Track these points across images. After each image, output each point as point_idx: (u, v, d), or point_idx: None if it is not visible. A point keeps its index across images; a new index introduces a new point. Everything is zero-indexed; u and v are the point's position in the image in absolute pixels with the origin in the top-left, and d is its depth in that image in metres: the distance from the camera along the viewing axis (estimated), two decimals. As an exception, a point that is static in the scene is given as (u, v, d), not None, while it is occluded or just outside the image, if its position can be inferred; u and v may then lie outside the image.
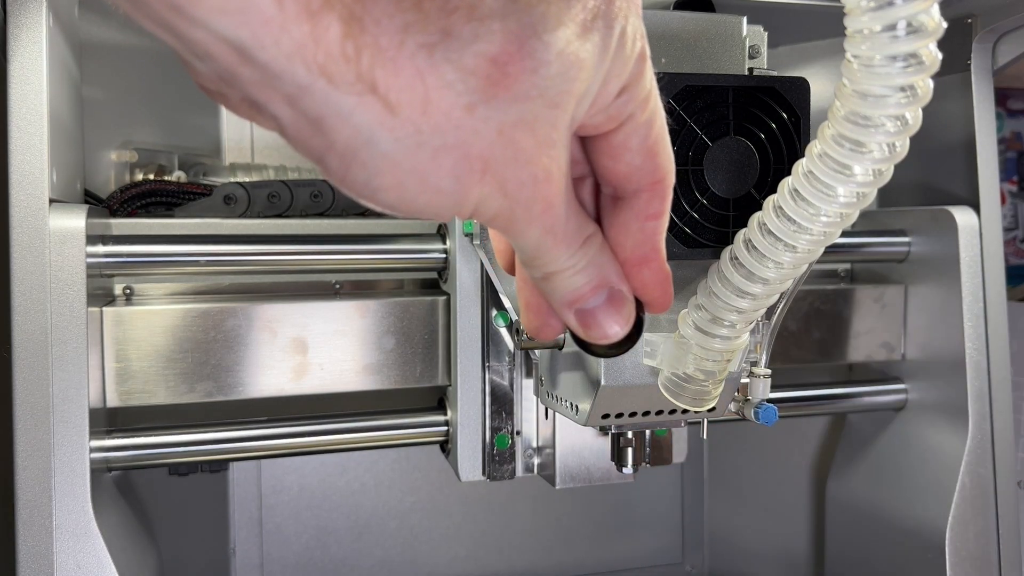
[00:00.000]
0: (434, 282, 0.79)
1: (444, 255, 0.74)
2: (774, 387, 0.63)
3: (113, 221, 0.73)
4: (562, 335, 0.57)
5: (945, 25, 0.29)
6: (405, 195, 0.25)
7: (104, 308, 0.68)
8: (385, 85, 0.23)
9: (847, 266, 0.94)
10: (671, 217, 0.42)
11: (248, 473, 0.96)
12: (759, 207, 0.38)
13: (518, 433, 0.73)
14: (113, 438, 0.69)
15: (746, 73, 0.55)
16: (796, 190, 0.35)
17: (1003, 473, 0.83)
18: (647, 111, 0.29)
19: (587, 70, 0.26)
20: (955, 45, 0.83)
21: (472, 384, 0.73)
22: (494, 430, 0.73)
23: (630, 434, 0.66)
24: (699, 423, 0.63)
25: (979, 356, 0.83)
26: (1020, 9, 0.78)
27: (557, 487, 0.72)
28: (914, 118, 0.32)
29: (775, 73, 0.51)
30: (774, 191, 0.37)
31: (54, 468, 0.62)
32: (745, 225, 0.39)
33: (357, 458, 0.99)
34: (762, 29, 0.57)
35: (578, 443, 0.72)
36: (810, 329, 0.88)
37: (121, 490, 0.77)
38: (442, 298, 0.75)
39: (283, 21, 0.21)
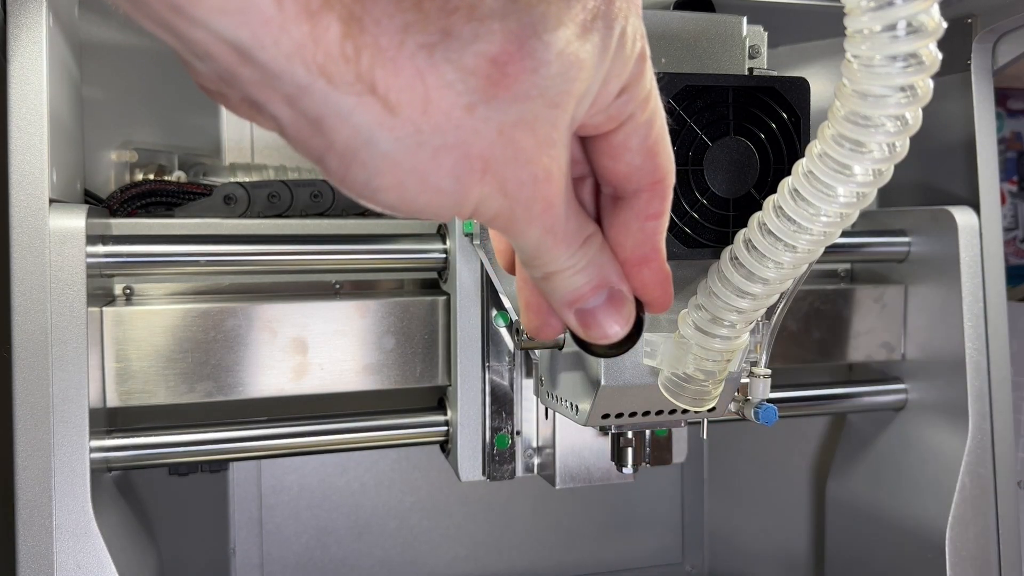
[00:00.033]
0: (434, 282, 0.79)
1: (444, 255, 0.74)
2: (774, 387, 0.63)
3: (113, 221, 0.73)
4: (562, 335, 0.57)
5: (945, 25, 0.29)
6: (405, 195, 0.25)
7: (104, 308, 0.68)
8: (385, 85, 0.23)
9: (847, 266, 0.94)
10: (671, 217, 0.42)
11: (248, 473, 0.96)
12: (759, 207, 0.38)
13: (518, 433, 0.73)
14: (113, 438, 0.69)
15: (746, 73, 0.55)
16: (796, 190, 0.35)
17: (1003, 473, 0.83)
18: (647, 111, 0.29)
19: (587, 70, 0.26)
20: (955, 45, 0.83)
21: (472, 384, 0.73)
22: (494, 430, 0.73)
23: (630, 434, 0.66)
24: (699, 423, 0.63)
25: (979, 356, 0.83)
26: (1020, 9, 0.78)
27: (557, 487, 0.72)
28: (914, 118, 0.32)
29: (775, 73, 0.51)
30: (774, 191, 0.37)
31: (54, 468, 0.62)
32: (745, 225, 0.39)
33: (357, 458, 0.99)
34: (762, 29, 0.57)
35: (578, 443, 0.72)
36: (810, 329, 0.88)
37: (121, 490, 0.77)
38: (442, 298, 0.75)
39: (283, 21, 0.21)
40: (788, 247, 0.37)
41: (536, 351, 0.65)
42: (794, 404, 0.88)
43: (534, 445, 0.74)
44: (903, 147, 0.32)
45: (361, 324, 0.74)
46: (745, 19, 0.56)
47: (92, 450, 0.63)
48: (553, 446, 0.72)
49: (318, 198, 0.81)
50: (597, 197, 0.32)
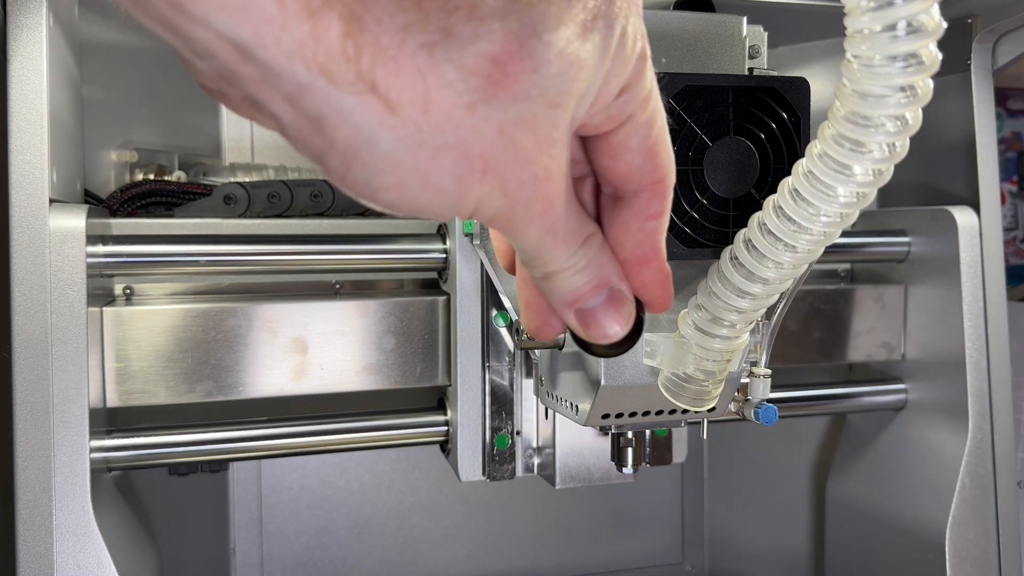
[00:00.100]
0: (434, 282, 0.79)
1: (444, 255, 0.74)
2: (774, 387, 0.63)
3: (113, 221, 0.73)
4: (562, 335, 0.57)
5: (945, 25, 0.29)
6: (406, 194, 0.25)
7: (104, 308, 0.68)
8: (386, 84, 0.23)
9: (847, 266, 0.94)
10: (671, 217, 0.42)
11: (248, 473, 0.96)
12: (759, 207, 0.38)
13: (518, 433, 0.73)
14: (113, 438, 0.69)
15: (746, 73, 0.55)
16: (796, 190, 0.35)
17: (1003, 473, 0.83)
18: (647, 111, 0.29)
19: (587, 70, 0.26)
20: (955, 45, 0.83)
21: (472, 384, 0.73)
22: (494, 430, 0.73)
23: (630, 434, 0.66)
24: (699, 423, 0.63)
25: (979, 356, 0.83)
26: (1020, 9, 0.78)
27: (557, 487, 0.72)
28: (914, 118, 0.32)
29: (775, 73, 0.51)
30: (774, 191, 0.37)
31: (54, 468, 0.62)
32: (745, 225, 0.39)
33: (357, 458, 0.99)
34: (762, 29, 0.57)
35: (578, 443, 0.72)
36: (810, 329, 0.88)
37: (121, 490, 0.77)
38: (442, 298, 0.75)
39: (284, 20, 0.21)
40: (788, 247, 0.37)
41: (536, 351, 0.65)
42: (794, 404, 0.88)
43: (534, 445, 0.74)
44: (903, 147, 0.32)
45: (361, 324, 0.74)
46: (745, 19, 0.56)
47: (92, 450, 0.63)
48: (553, 446, 0.72)
49: (318, 198, 0.81)
50: (597, 197, 0.32)
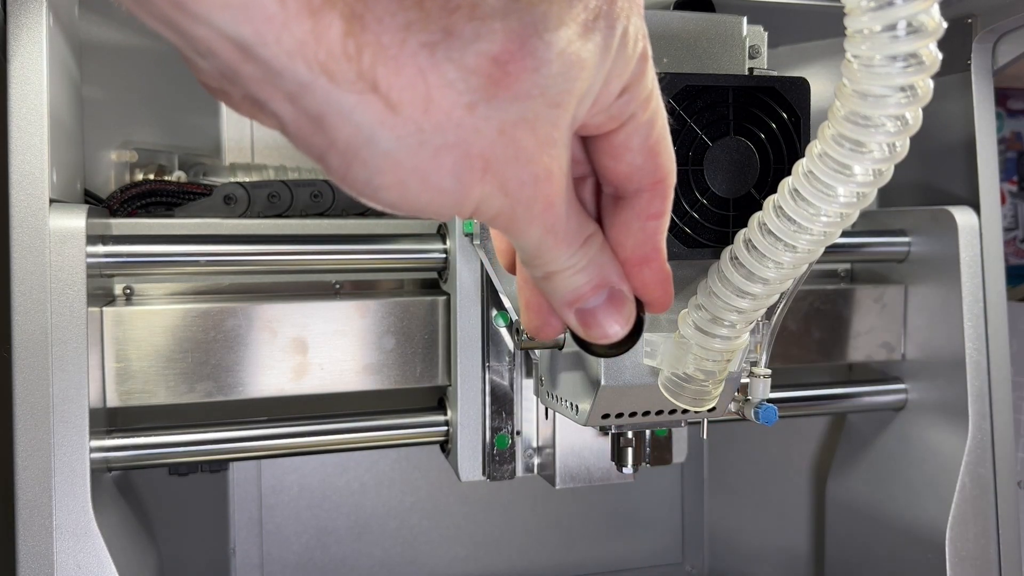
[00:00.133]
0: (434, 282, 0.79)
1: (444, 255, 0.74)
2: (774, 387, 0.63)
3: (113, 221, 0.73)
4: (562, 335, 0.57)
5: (945, 25, 0.29)
6: (406, 194, 0.25)
7: (104, 308, 0.68)
8: (387, 84, 0.23)
9: (847, 266, 0.94)
10: (671, 217, 0.42)
11: (248, 473, 0.96)
12: (759, 207, 0.38)
13: (518, 433, 0.73)
14: (113, 438, 0.69)
15: (746, 73, 0.55)
16: (796, 190, 0.35)
17: (1003, 473, 0.83)
18: (648, 111, 0.29)
19: (588, 69, 0.26)
20: (955, 45, 0.83)
21: (472, 384, 0.73)
22: (494, 430, 0.73)
23: (630, 434, 0.66)
24: (699, 423, 0.63)
25: (979, 356, 0.83)
26: (1020, 9, 0.78)
27: (557, 487, 0.72)
28: (914, 118, 0.32)
29: (775, 73, 0.51)
30: (774, 191, 0.37)
31: (54, 468, 0.62)
32: (745, 225, 0.39)
33: (357, 458, 0.99)
34: (762, 29, 0.57)
35: (578, 443, 0.72)
36: (810, 329, 0.88)
37: (121, 490, 0.77)
38: (442, 298, 0.75)
39: (285, 18, 0.22)
40: (788, 247, 0.37)
41: (536, 351, 0.65)
42: (794, 404, 0.88)
43: (534, 445, 0.74)
44: (903, 147, 0.33)
45: (361, 324, 0.74)
46: (745, 19, 0.56)
47: (92, 450, 0.63)
48: (553, 446, 0.72)
49: (318, 198, 0.81)
50: (598, 197, 0.32)
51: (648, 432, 0.67)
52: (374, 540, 1.00)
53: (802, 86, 0.49)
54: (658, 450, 0.69)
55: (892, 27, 0.29)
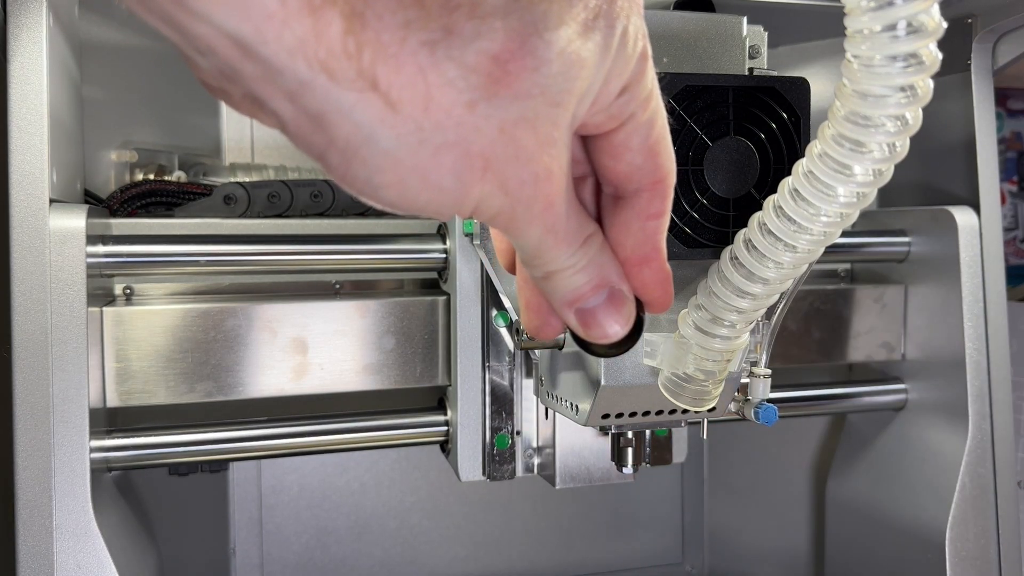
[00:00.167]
0: (434, 282, 0.79)
1: (444, 255, 0.74)
2: (774, 387, 0.63)
3: (113, 221, 0.73)
4: (562, 335, 0.57)
5: (945, 25, 0.29)
6: (406, 193, 0.25)
7: (104, 308, 0.68)
8: (387, 82, 0.23)
9: (847, 266, 0.94)
10: (671, 217, 0.42)
11: (248, 473, 0.96)
12: (759, 207, 0.38)
13: (518, 433, 0.73)
14: (113, 438, 0.69)
15: (746, 73, 0.55)
16: (796, 190, 0.35)
17: (1003, 473, 0.83)
18: (648, 110, 0.29)
19: (588, 69, 0.26)
20: (955, 45, 0.83)
21: (472, 384, 0.73)
22: (494, 430, 0.73)
23: (630, 434, 0.66)
24: (699, 423, 0.63)
25: (979, 356, 0.83)
26: (1020, 9, 0.78)
27: (557, 487, 0.72)
28: (914, 118, 0.32)
29: (775, 73, 0.51)
30: (774, 191, 0.37)
31: (54, 468, 0.62)
32: (745, 225, 0.39)
33: (357, 458, 0.99)
34: (762, 29, 0.57)
35: (578, 443, 0.72)
36: (810, 329, 0.88)
37: (121, 490, 0.77)
38: (442, 298, 0.75)
39: (285, 16, 0.22)
40: (788, 247, 0.37)
41: (536, 351, 0.65)
42: (794, 404, 0.88)
43: (534, 445, 0.74)
44: (903, 147, 0.33)
45: (361, 324, 0.74)
46: (745, 19, 0.56)
47: (92, 450, 0.63)
48: (553, 446, 0.72)
49: (318, 198, 0.81)
50: (598, 197, 0.32)
51: (648, 432, 0.67)
52: (374, 540, 1.00)
53: (802, 86, 0.49)
54: (658, 450, 0.69)
55: (892, 27, 0.29)
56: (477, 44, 0.24)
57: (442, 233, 0.75)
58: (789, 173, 0.36)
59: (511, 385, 0.73)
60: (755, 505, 1.09)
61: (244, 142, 0.90)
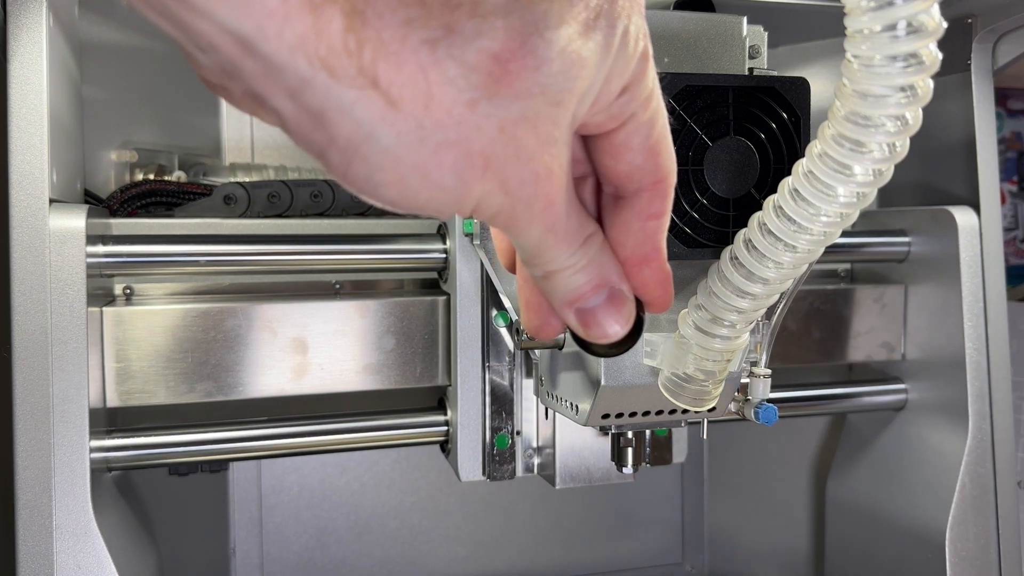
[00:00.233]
0: (434, 282, 0.79)
1: (444, 255, 0.74)
2: (774, 387, 0.63)
3: (113, 221, 0.73)
4: (562, 335, 0.57)
5: (945, 25, 0.29)
6: (406, 191, 0.25)
7: (104, 308, 0.68)
8: (387, 80, 0.23)
9: (847, 266, 0.94)
10: (671, 217, 0.42)
11: (248, 473, 0.96)
12: (759, 207, 0.38)
13: (518, 433, 0.73)
14: (113, 438, 0.69)
15: (746, 73, 0.55)
16: (796, 190, 0.35)
17: (1003, 473, 0.83)
18: (649, 110, 0.29)
19: (589, 68, 0.26)
20: (955, 45, 0.83)
21: (472, 384, 0.73)
22: (494, 430, 0.73)
23: (630, 434, 0.66)
24: (699, 423, 0.63)
25: (979, 356, 0.83)
26: (1020, 9, 0.78)
27: (557, 487, 0.72)
28: (914, 118, 0.32)
29: (775, 73, 0.51)
30: (774, 191, 0.37)
31: (54, 468, 0.62)
32: (745, 225, 0.39)
33: (357, 458, 0.99)
34: (762, 29, 0.57)
35: (578, 443, 0.72)
36: (810, 329, 0.88)
37: (121, 490, 0.77)
38: (442, 298, 0.75)
39: (286, 13, 0.22)
40: (788, 247, 0.37)
41: (536, 351, 0.65)
42: (794, 404, 0.88)
43: (534, 445, 0.74)
44: (903, 147, 0.33)
45: (361, 324, 0.74)
46: (745, 19, 0.56)
47: (92, 450, 0.63)
48: (553, 446, 0.72)
49: (318, 198, 0.81)
50: (598, 196, 0.32)
51: (648, 432, 0.67)
52: (374, 540, 1.00)
53: (802, 86, 0.49)
54: (658, 450, 0.69)
55: (892, 27, 0.29)
56: (478, 43, 0.24)
57: (442, 233, 0.75)
58: (789, 173, 0.36)
59: (511, 385, 0.73)
60: (755, 505, 1.09)
61: (244, 142, 0.90)
